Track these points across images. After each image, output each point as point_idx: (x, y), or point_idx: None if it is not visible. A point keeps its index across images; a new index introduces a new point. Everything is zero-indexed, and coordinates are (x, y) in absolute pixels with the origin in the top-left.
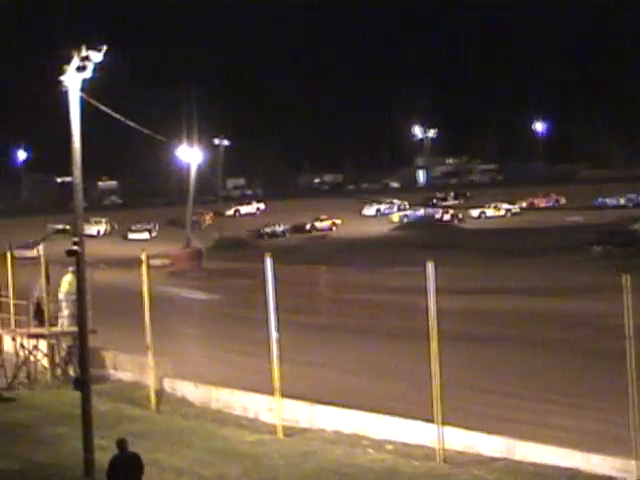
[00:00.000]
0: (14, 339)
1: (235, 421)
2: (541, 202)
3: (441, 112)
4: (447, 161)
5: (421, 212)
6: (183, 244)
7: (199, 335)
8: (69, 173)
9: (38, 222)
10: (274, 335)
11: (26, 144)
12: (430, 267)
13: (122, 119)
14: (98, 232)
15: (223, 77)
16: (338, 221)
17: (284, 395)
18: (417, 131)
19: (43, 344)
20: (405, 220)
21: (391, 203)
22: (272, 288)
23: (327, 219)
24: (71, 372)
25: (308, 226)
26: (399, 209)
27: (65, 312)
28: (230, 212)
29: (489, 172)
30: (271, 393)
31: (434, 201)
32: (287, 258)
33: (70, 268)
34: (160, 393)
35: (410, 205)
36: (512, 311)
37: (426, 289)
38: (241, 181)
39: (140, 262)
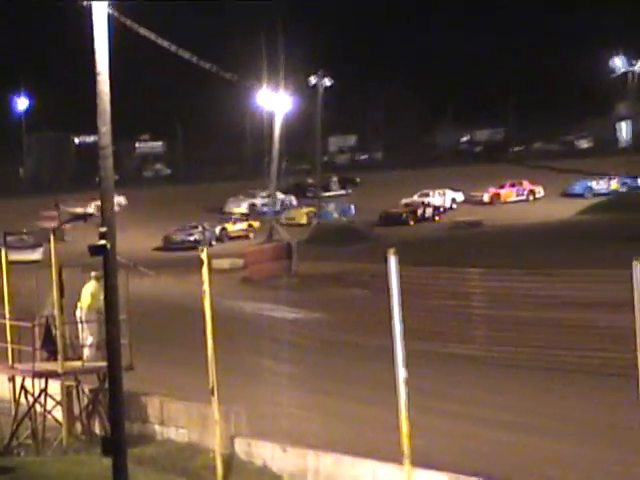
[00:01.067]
0: (12, 380)
1: None
2: (508, 193)
3: None
4: None
5: (332, 207)
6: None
7: (288, 373)
8: (92, 130)
9: (48, 204)
10: (402, 373)
11: (28, 87)
12: (638, 268)
13: (172, 49)
14: None
15: None
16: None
17: (418, 463)
18: (618, 63)
19: (55, 387)
20: (315, 221)
21: (275, 197)
22: (399, 302)
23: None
24: (97, 429)
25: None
26: (283, 205)
27: (88, 339)
28: (91, 209)
29: None
30: (398, 460)
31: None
32: (417, 257)
33: (93, 273)
34: (230, 459)
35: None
36: None
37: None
38: (351, 140)
39: (200, 264)
